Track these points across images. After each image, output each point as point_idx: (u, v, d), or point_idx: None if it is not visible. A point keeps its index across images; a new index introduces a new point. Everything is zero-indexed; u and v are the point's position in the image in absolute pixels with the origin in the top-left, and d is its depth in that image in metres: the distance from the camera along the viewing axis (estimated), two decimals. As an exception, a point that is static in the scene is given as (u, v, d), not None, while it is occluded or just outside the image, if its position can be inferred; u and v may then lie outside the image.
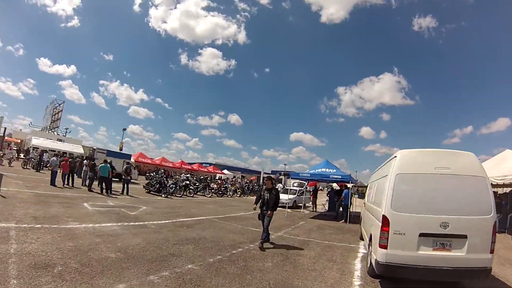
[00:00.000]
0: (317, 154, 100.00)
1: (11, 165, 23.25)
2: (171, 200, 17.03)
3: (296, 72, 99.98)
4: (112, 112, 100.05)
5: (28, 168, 23.41)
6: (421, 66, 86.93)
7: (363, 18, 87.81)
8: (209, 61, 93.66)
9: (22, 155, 27.55)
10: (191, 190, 20.99)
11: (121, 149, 42.75)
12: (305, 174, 16.65)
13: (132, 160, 36.90)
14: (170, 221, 10.26)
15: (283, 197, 19.88)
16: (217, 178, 49.97)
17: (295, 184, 26.30)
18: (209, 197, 22.12)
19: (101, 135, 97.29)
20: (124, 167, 17.00)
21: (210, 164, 62.51)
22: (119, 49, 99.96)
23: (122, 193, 16.14)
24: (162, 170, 38.61)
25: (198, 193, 22.72)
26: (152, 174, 25.41)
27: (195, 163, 55.16)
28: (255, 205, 8.46)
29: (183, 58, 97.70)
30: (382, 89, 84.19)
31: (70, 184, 16.52)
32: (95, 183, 15.92)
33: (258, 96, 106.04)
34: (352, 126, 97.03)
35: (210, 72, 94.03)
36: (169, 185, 19.55)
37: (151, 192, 18.72)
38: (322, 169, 16.63)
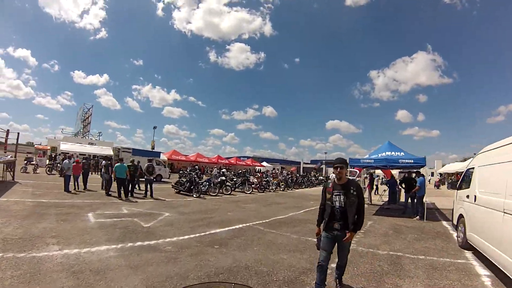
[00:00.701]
0: (354, 141, 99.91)
1: (37, 171, 22.16)
2: (204, 201, 14.18)
3: (326, 59, 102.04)
4: (147, 115, 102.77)
5: (54, 174, 22.11)
6: (457, 41, 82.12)
7: None
8: (238, 56, 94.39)
9: (48, 162, 26.63)
10: (228, 187, 18.10)
11: (153, 148, 41.58)
12: (367, 160, 12.80)
13: (164, 157, 35.36)
14: (197, 235, 7.20)
15: None
16: (256, 171, 47.34)
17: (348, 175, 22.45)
18: (249, 193, 19.06)
19: (138, 137, 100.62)
20: (146, 165, 14.43)
21: (248, 157, 60.07)
22: (148, 54, 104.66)
23: (145, 196, 13.61)
24: (197, 166, 36.75)
25: (237, 190, 19.82)
26: (185, 172, 23.13)
27: (232, 157, 52.86)
28: (318, 228, 4.20)
29: (212, 56, 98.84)
30: (417, 69, 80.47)
31: (82, 188, 14.47)
32: (115, 185, 13.54)
33: (290, 87, 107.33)
34: (388, 110, 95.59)
35: (240, 66, 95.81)
36: (202, 182, 16.83)
37: (181, 192, 16.06)
38: (387, 153, 12.76)
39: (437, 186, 35.33)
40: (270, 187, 22.33)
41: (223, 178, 19.09)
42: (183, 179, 16.85)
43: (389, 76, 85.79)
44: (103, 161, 15.68)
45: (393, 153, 12.70)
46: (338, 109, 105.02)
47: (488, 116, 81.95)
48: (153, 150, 26.18)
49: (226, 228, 8.19)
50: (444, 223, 10.80)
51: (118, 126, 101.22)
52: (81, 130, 47.52)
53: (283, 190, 23.17)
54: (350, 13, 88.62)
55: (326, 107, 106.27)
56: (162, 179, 23.80)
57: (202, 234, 7.37)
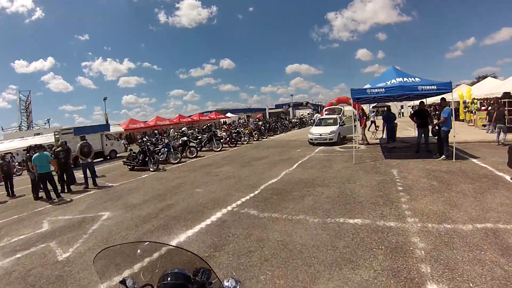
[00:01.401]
0: (316, 83, 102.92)
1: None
2: (163, 174, 10.63)
3: (280, 5, 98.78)
4: (102, 89, 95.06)
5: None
6: None
7: None
8: (189, 13, 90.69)
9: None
10: (192, 149, 14.53)
11: (107, 121, 35.75)
12: (375, 90, 9.47)
13: (121, 129, 30.36)
14: (145, 262, 3.79)
15: (321, 130, 14.58)
16: (222, 123, 43.68)
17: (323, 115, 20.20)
18: (219, 150, 15.64)
19: (97, 115, 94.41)
20: (78, 145, 10.27)
21: (211, 111, 55.58)
22: (93, 26, 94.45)
23: (87, 186, 9.73)
24: (156, 131, 32.22)
25: (204, 149, 16.34)
26: (144, 139, 19.02)
27: (194, 114, 48.28)
28: None
29: (162, 17, 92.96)
30: (375, 8, 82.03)
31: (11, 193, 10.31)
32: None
33: (246, 37, 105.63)
34: (348, 50, 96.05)
35: (192, 24, 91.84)
36: (159, 150, 13.08)
37: (135, 168, 12.28)
38: (399, 79, 9.58)
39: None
40: (243, 139, 19.03)
41: (185, 138, 15.34)
42: (135, 152, 12.91)
43: (347, 17, 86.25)
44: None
45: (406, 79, 9.55)
46: (297, 53, 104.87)
47: (446, 51, 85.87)
48: (101, 124, 21.22)
49: (197, 228, 4.87)
50: (475, 160, 8.39)
51: (74, 108, 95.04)
52: (24, 122, 39.61)
53: (257, 140, 20.02)
54: None
55: (284, 52, 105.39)
56: (118, 155, 19.52)
57: (155, 256, 3.95)
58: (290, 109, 58.75)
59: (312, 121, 35.20)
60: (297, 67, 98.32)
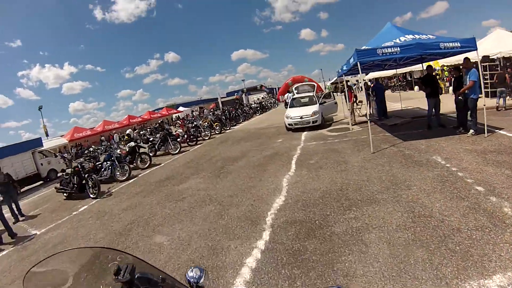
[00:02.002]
0: (263, 67, 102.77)
1: None
2: (108, 202, 7.34)
3: None
4: (46, 99, 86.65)
5: None
6: None
7: None
8: (127, 7, 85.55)
9: None
10: (144, 156, 11.16)
11: (47, 134, 29.56)
12: (389, 50, 6.72)
13: (64, 140, 25.14)
14: None
15: (301, 112, 12.08)
16: (175, 119, 39.71)
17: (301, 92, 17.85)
18: (178, 153, 12.39)
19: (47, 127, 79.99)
20: None
21: (161, 108, 50.40)
22: (25, 30, 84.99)
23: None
24: (103, 138, 27.20)
25: (159, 153, 13.02)
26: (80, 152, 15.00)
27: (144, 113, 43.25)
28: None
29: (98, 14, 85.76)
30: None
31: None
32: None
33: (188, 27, 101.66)
34: (291, 31, 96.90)
35: (131, 18, 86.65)
36: (99, 165, 9.64)
37: (73, 195, 8.71)
38: (409, 36, 7.25)
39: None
40: (203, 134, 15.85)
41: (132, 144, 11.79)
42: (69, 173, 9.19)
43: None
44: None
45: (419, 36, 7.18)
46: (241, 39, 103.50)
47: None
48: (29, 140, 16.11)
49: None
50: (504, 132, 6.65)
51: (19, 124, 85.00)
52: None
53: (220, 132, 16.97)
54: None
55: (228, 39, 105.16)
56: (60, 174, 15.16)
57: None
58: (244, 95, 55.84)
59: (270, 104, 32.91)
60: (243, 53, 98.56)
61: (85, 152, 14.91)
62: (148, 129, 26.68)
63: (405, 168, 5.27)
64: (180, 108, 49.39)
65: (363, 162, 6.09)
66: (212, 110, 35.73)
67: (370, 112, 12.54)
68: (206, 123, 17.24)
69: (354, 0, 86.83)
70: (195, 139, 14.66)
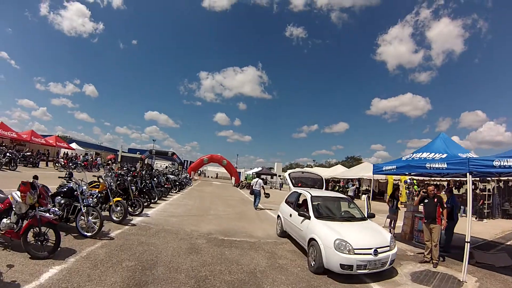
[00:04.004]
0: (170, 135, 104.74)
1: None
2: None
3: (163, 49, 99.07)
4: None
5: None
6: (284, 67, 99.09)
7: (243, 13, 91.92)
8: (74, 19, 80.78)
9: None
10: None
11: None
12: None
13: None
14: None
15: (364, 238, 5.96)
16: (61, 154, 30.96)
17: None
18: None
19: None
20: None
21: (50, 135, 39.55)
22: None
23: None
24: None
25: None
26: None
27: (26, 131, 32.77)
28: None
29: (43, 8, 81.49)
30: (244, 80, 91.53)
31: None
32: None
33: (119, 69, 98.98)
34: (209, 111, 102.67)
35: (72, 32, 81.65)
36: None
37: None
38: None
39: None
40: (85, 207, 6.78)
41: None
42: None
43: (217, 80, 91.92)
44: None
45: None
46: (160, 101, 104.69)
47: (294, 132, 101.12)
48: None
49: None
50: None
51: None
52: None
53: (120, 220, 8.16)
54: (204, 14, 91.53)
55: (148, 96, 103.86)
56: None
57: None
58: (151, 158, 48.58)
59: (186, 180, 25.20)
60: (157, 115, 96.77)
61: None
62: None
63: None
64: (73, 145, 40.00)
65: None
66: (110, 163, 28.01)
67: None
68: (97, 193, 8.24)
69: (273, 101, 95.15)
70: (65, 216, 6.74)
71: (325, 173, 32.15)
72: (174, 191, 19.55)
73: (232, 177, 42.28)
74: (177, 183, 21.01)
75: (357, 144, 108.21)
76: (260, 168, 51.56)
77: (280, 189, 39.91)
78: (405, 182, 20.11)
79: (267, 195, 16.49)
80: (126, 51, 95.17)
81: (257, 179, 16.21)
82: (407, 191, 20.05)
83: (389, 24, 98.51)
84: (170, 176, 20.61)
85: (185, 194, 19.86)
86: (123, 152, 51.87)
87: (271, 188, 39.53)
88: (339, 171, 34.41)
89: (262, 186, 15.89)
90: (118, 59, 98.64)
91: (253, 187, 15.61)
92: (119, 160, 43.74)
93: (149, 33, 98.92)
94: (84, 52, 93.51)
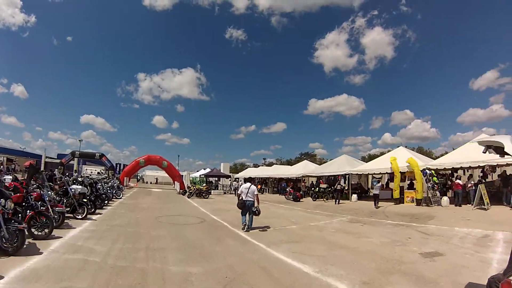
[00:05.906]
0: (107, 140, 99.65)
1: None
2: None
3: (100, 48, 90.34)
4: None
5: None
6: (223, 69, 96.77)
7: (184, 13, 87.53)
8: (3, 9, 69.03)
9: None
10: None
11: None
12: None
13: None
14: None
15: None
16: None
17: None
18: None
19: None
20: None
21: None
22: None
23: None
24: None
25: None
26: None
27: None
28: None
29: None
30: (182, 82, 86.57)
31: None
32: None
33: (52, 68, 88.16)
34: (146, 114, 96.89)
35: None
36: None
37: None
38: None
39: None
40: None
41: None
42: None
43: (155, 81, 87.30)
44: None
45: None
46: (96, 104, 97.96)
47: (231, 133, 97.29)
48: None
49: None
50: None
51: None
52: None
53: None
54: (144, 13, 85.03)
55: (84, 99, 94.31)
56: None
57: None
58: (75, 160, 39.24)
59: (112, 191, 18.78)
60: (93, 119, 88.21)
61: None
62: None
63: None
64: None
65: None
66: (26, 169, 19.18)
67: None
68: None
69: (212, 103, 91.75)
70: None
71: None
72: (80, 217, 11.51)
73: (175, 182, 36.85)
74: (90, 197, 13.08)
75: (295, 143, 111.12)
76: (208, 170, 45.44)
77: (235, 195, 29.46)
78: (424, 173, 14.85)
79: (255, 211, 10.06)
80: (60, 48, 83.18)
81: (248, 183, 10.58)
82: (429, 184, 16.25)
83: (327, 29, 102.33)
84: (75, 187, 12.51)
85: (99, 221, 11.38)
86: (47, 157, 41.86)
87: (225, 193, 34.54)
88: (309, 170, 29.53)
89: (256, 195, 10.20)
90: (51, 56, 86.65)
91: (242, 196, 10.10)
92: (42, 166, 34.37)
93: (85, 30, 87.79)
94: (12, 47, 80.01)
